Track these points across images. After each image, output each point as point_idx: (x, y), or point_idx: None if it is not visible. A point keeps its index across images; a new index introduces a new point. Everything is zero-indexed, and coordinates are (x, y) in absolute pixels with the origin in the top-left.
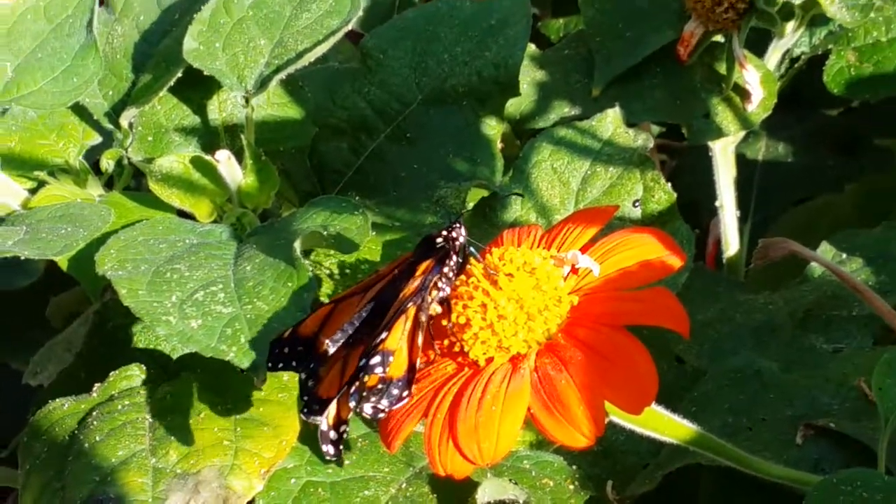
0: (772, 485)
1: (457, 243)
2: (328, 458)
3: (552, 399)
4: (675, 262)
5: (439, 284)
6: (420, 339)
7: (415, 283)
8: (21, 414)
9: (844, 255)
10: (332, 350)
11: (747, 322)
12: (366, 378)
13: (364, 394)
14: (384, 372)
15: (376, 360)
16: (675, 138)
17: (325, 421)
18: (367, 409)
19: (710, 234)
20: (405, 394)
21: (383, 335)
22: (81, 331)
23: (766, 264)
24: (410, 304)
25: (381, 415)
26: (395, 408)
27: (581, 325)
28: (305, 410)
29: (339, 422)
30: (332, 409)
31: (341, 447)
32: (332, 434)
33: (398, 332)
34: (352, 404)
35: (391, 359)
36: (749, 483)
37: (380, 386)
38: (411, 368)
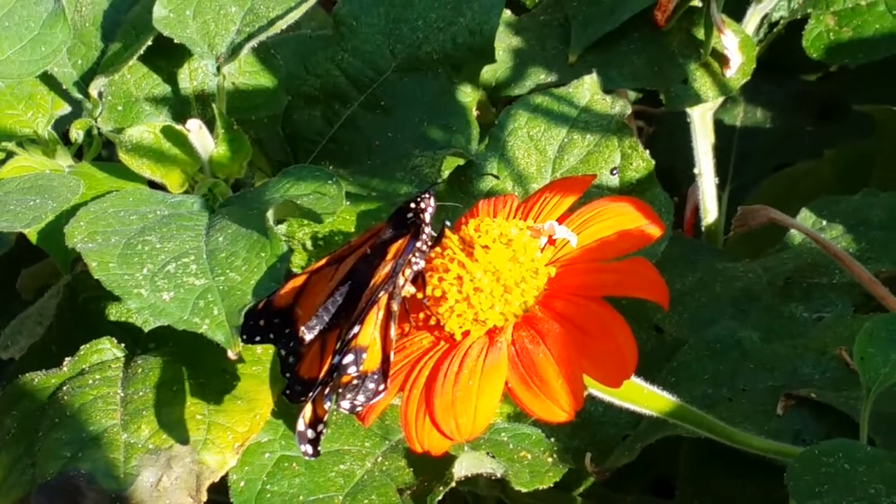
0: (753, 456)
1: (426, 214)
2: (306, 457)
3: (530, 373)
4: (654, 231)
5: (412, 260)
6: (393, 332)
7: (385, 269)
8: None
9: (824, 223)
10: (309, 337)
11: (727, 291)
12: (340, 376)
13: (340, 391)
14: (357, 371)
15: (349, 358)
16: (653, 105)
17: (301, 421)
18: (345, 404)
19: (688, 202)
20: (381, 387)
21: (355, 329)
22: (52, 303)
23: (745, 232)
24: (382, 292)
25: (360, 409)
26: (372, 402)
27: (559, 297)
28: (288, 392)
29: (316, 420)
30: (308, 409)
31: (319, 447)
32: (310, 433)
33: (370, 326)
34: (327, 405)
35: (364, 356)
36: (729, 454)
37: (355, 381)
38: (385, 360)
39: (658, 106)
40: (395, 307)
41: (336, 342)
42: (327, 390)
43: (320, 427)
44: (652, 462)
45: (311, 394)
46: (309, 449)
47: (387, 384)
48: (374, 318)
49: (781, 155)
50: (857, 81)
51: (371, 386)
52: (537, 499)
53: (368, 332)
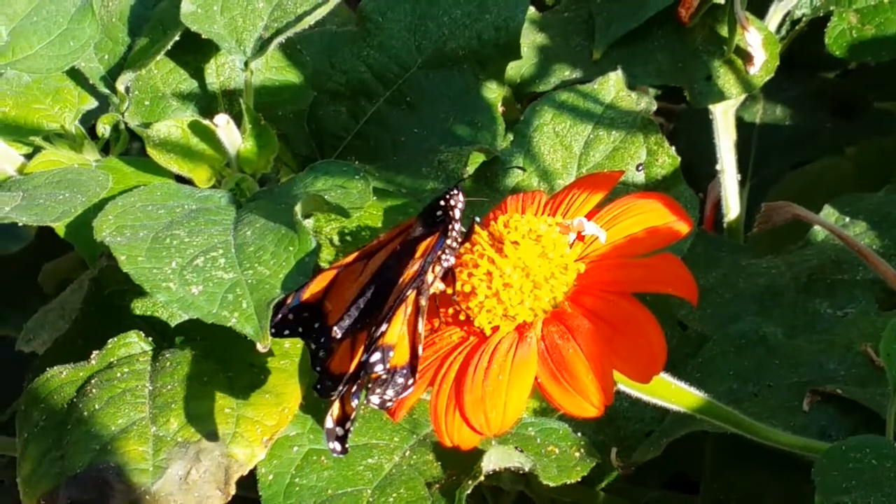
0: (778, 452)
1: (455, 211)
2: (334, 454)
3: (560, 368)
4: (683, 227)
5: (443, 257)
6: (422, 326)
7: (414, 267)
8: (14, 381)
9: (847, 219)
10: (339, 334)
11: (750, 287)
12: (367, 374)
13: (369, 386)
14: (384, 368)
15: (376, 357)
16: (673, 101)
17: (329, 418)
18: (375, 400)
19: (709, 198)
20: (410, 382)
21: (383, 327)
22: (75, 297)
23: (768, 228)
24: (410, 290)
25: (389, 404)
26: (401, 397)
27: (588, 293)
28: (319, 387)
29: (344, 418)
30: (336, 406)
31: (347, 445)
32: (339, 430)
33: (398, 323)
34: (354, 403)
35: (391, 354)
36: (755, 450)
37: (384, 377)
38: (414, 355)
39: (678, 102)
40: (423, 302)
41: (366, 339)
42: (354, 388)
43: (348, 424)
44: (672, 458)
45: (338, 391)
46: (337, 446)
47: (415, 378)
48: (402, 315)
49: (801, 152)
50: (876, 78)
51: (400, 381)
52: (561, 493)
53: (396, 330)
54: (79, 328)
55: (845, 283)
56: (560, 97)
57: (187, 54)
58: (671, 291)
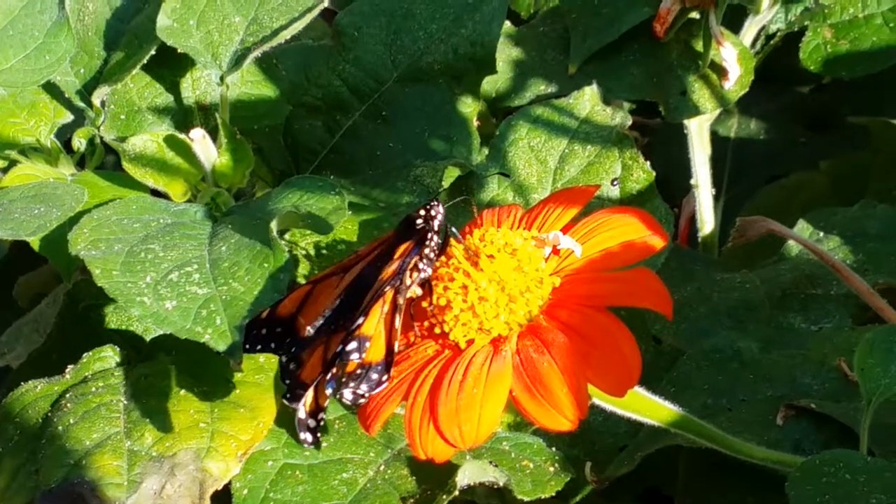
0: (752, 466)
1: (435, 222)
2: (306, 445)
3: (535, 382)
4: (658, 242)
5: (420, 266)
6: (398, 323)
7: (392, 266)
8: None
9: (821, 234)
10: (312, 334)
11: (724, 301)
12: (343, 365)
13: (343, 379)
14: (360, 358)
15: (352, 346)
16: (648, 115)
17: (302, 408)
18: (347, 394)
19: (683, 212)
20: (384, 378)
21: (360, 321)
22: (50, 311)
23: (743, 243)
24: (388, 287)
25: (362, 400)
26: (374, 392)
27: (563, 307)
28: (289, 396)
29: (317, 409)
30: (310, 396)
31: (319, 435)
32: (310, 422)
33: (375, 317)
34: (328, 391)
35: (368, 344)
36: (729, 465)
37: (358, 371)
38: (389, 352)
39: (653, 117)
40: (400, 301)
41: (342, 336)
42: (329, 376)
43: (321, 416)
44: (646, 472)
45: (313, 382)
46: (309, 437)
47: (390, 375)
48: (380, 310)
49: (776, 166)
50: (850, 93)
51: (374, 376)
52: None
53: (373, 324)
54: (53, 342)
55: (819, 297)
56: (535, 112)
57: (163, 68)
58: (646, 305)
